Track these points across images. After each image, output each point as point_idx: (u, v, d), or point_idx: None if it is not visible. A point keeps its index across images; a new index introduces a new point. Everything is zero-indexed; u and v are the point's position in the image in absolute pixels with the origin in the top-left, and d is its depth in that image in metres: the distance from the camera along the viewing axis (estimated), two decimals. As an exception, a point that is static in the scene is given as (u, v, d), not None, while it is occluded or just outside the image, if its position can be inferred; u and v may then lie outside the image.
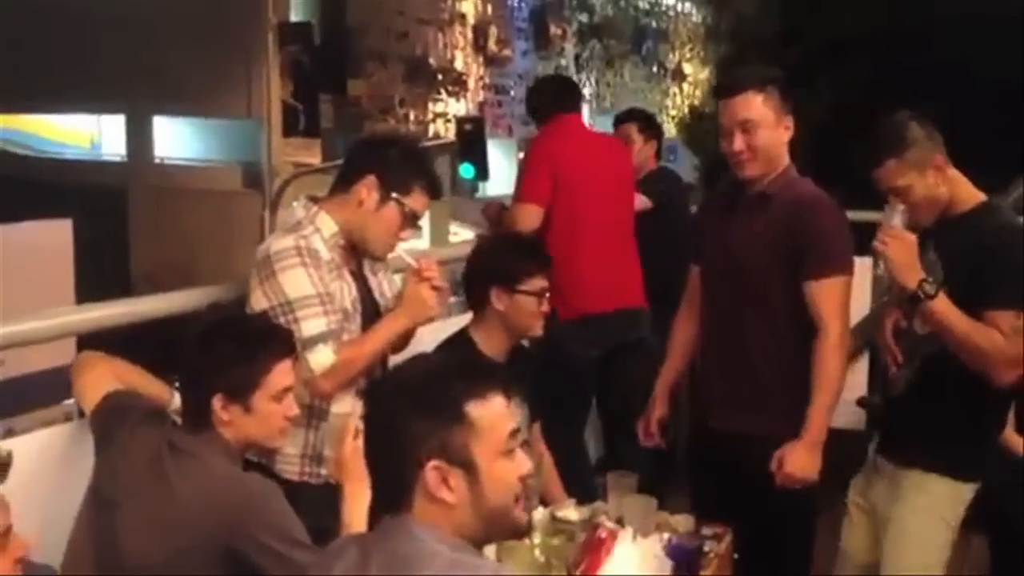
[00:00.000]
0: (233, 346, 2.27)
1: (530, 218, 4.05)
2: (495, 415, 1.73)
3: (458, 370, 1.80)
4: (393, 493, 1.73)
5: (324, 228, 2.68)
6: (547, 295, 3.07)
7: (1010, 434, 3.59)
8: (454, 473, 1.69)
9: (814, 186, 3.03)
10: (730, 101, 2.96)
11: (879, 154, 2.78)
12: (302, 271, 2.59)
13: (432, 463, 1.68)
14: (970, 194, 2.85)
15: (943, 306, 2.68)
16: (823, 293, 2.88)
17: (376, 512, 1.88)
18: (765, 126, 2.93)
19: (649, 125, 5.15)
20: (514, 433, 1.77)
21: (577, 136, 4.38)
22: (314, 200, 2.75)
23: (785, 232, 2.93)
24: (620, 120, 5.19)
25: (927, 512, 2.88)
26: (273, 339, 2.35)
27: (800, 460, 2.84)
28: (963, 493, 2.91)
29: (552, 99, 4.41)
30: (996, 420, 2.95)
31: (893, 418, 3.03)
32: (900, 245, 2.70)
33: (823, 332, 2.87)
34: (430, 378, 1.76)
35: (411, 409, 1.71)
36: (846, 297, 2.92)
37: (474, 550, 1.74)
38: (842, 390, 2.92)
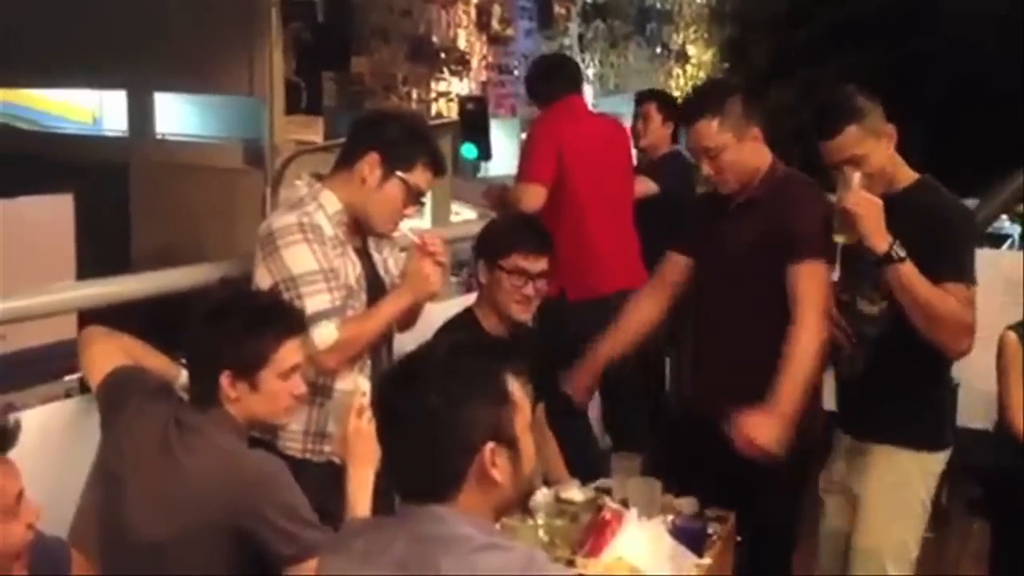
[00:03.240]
0: (242, 323, 2.25)
1: (534, 198, 4.04)
2: (522, 389, 1.73)
3: (489, 348, 1.79)
4: (441, 480, 1.68)
5: (328, 205, 2.67)
6: (532, 279, 3.01)
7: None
8: (501, 452, 1.68)
9: (801, 177, 3.00)
10: (689, 130, 2.94)
11: (839, 122, 2.76)
12: (305, 247, 2.57)
13: (489, 445, 1.67)
14: (906, 173, 2.86)
15: (910, 270, 2.67)
16: (800, 275, 2.83)
17: (378, 493, 1.86)
18: (727, 149, 2.90)
19: (669, 106, 5.12)
20: (534, 408, 1.77)
21: (580, 117, 4.37)
22: (318, 178, 2.73)
23: (774, 230, 2.88)
24: (642, 97, 5.19)
25: (898, 487, 2.88)
26: (282, 316, 2.33)
27: (761, 426, 2.71)
28: (931, 464, 2.92)
29: (554, 80, 4.39)
30: (950, 388, 2.95)
31: (854, 395, 3.00)
32: (870, 208, 2.68)
33: (798, 316, 2.79)
34: (471, 359, 1.73)
35: (465, 393, 1.67)
36: (824, 282, 2.86)
37: (501, 532, 1.74)
38: (813, 372, 2.81)
